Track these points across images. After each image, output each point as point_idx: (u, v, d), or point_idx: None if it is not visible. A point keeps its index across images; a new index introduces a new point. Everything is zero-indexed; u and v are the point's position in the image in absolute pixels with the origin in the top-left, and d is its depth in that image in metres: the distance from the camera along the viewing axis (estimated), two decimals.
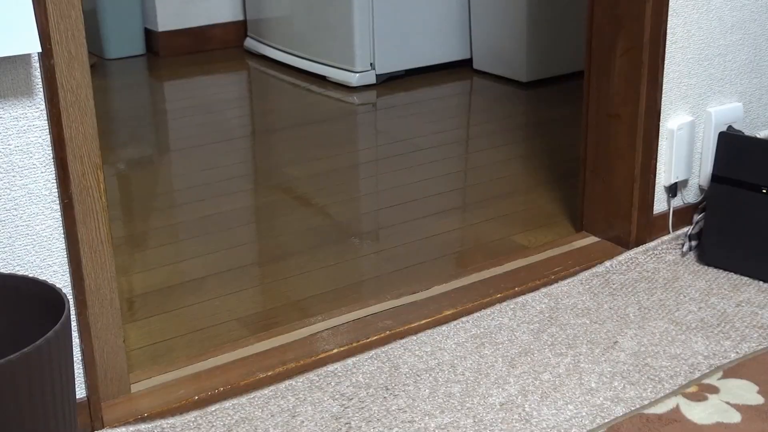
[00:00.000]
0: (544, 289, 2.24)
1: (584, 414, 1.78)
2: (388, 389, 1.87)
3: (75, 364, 1.63)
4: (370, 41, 3.93)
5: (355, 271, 2.44)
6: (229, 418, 1.79)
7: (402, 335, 2.04)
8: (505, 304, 2.17)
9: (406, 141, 3.37)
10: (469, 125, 3.69)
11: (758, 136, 2.46)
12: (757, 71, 2.53)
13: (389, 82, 4.00)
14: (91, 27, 4.13)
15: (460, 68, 4.15)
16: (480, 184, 3.03)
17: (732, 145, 2.34)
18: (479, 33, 4.10)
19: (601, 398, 1.83)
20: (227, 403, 1.83)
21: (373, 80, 3.97)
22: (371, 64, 3.96)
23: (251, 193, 3.04)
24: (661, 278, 2.29)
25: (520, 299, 2.19)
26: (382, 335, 2.03)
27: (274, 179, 3.10)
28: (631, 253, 2.38)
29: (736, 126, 2.45)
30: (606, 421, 1.76)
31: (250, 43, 4.52)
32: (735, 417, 1.77)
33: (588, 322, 2.10)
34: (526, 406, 1.81)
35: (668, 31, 2.29)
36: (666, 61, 2.31)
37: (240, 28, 4.60)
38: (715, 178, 2.35)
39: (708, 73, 2.42)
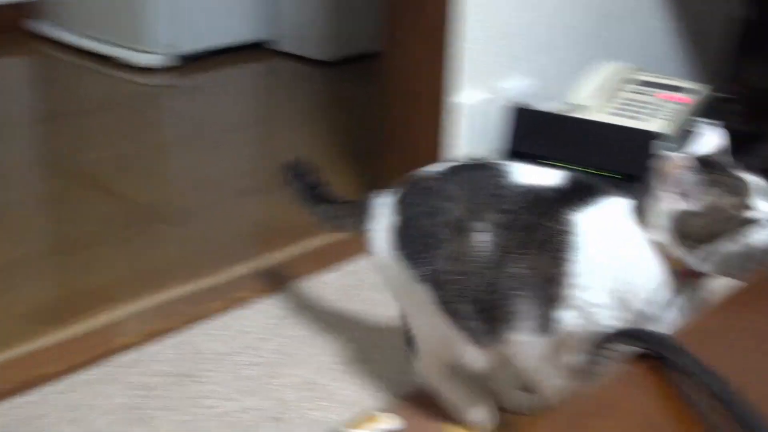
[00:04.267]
0: (346, 267, 2.24)
1: (389, 387, 1.79)
2: (189, 376, 1.82)
3: None
4: (169, 21, 3.82)
5: (157, 256, 2.36)
6: (16, 415, 1.70)
7: (204, 319, 2.00)
8: (308, 282, 2.16)
9: (208, 122, 3.30)
10: (273, 105, 3.65)
11: (552, 110, 2.54)
12: (550, 48, 2.61)
13: (190, 63, 3.89)
14: None
15: (262, 48, 4.10)
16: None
17: (527, 120, 2.41)
18: (282, 12, 4.06)
19: (408, 371, 1.84)
20: (19, 400, 1.74)
21: (173, 61, 3.86)
22: (170, 44, 3.84)
23: (45, 181, 2.89)
24: None
25: (322, 278, 2.18)
26: (184, 320, 1.98)
27: (70, 166, 2.97)
28: None
29: (529, 101, 2.52)
30: (413, 392, 1.78)
31: (36, 25, 4.29)
32: None
33: (390, 297, 2.10)
34: (329, 383, 1.80)
35: (464, 8, 2.33)
36: (462, 39, 2.35)
37: (22, 9, 4.34)
38: (513, 153, 2.42)
39: (503, 50, 2.48)
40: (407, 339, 1.67)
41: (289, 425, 1.68)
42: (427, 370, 1.70)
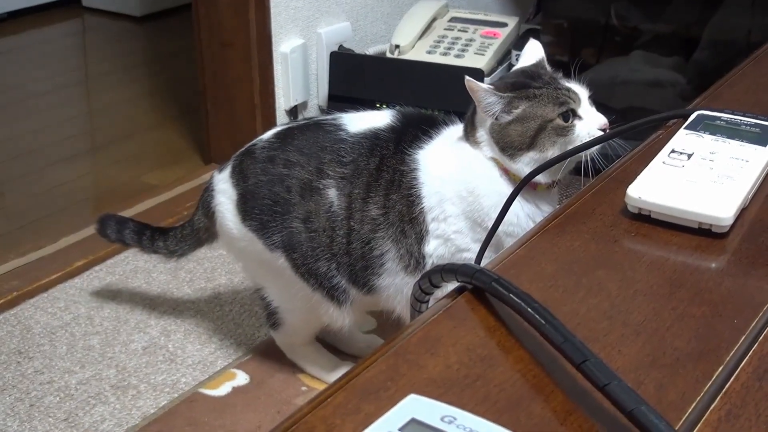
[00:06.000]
0: None
1: (229, 344, 1.79)
2: (21, 353, 1.76)
3: None
4: None
5: None
6: None
7: (32, 294, 1.93)
8: None
9: (19, 88, 3.16)
10: (87, 66, 3.53)
11: (367, 53, 2.56)
12: None
13: None
14: None
15: (68, 7, 3.93)
16: (105, 126, 2.92)
17: (344, 63, 2.42)
18: None
19: (244, 326, 1.85)
20: None
21: None
22: None
23: None
24: None
25: None
26: (9, 297, 1.91)
27: None
28: None
29: (346, 45, 2.52)
30: (253, 346, 1.78)
31: None
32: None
33: (225, 253, 2.09)
34: (169, 346, 1.78)
35: None
36: None
37: None
38: (332, 97, 2.42)
39: None
40: (268, 315, 1.67)
41: (132, 392, 1.66)
42: (291, 344, 1.71)
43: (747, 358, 0.60)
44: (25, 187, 2.48)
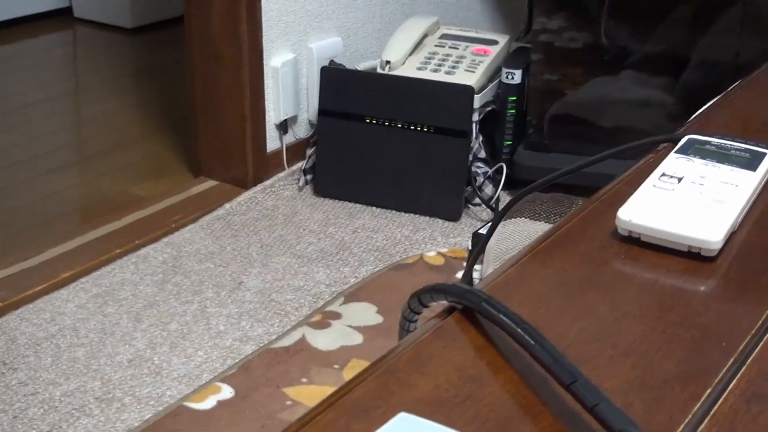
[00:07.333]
0: (165, 239, 2.20)
1: (214, 357, 1.79)
2: (5, 364, 1.75)
3: None
4: None
5: None
6: None
7: (17, 305, 1.93)
8: (126, 258, 2.11)
9: (8, 98, 3.16)
10: (77, 76, 3.52)
11: (358, 68, 2.56)
12: (353, 6, 2.63)
13: None
14: None
15: (59, 17, 3.93)
16: (94, 137, 2.91)
17: (334, 78, 2.42)
18: None
19: (230, 339, 1.84)
20: None
21: None
22: None
23: None
24: (280, 214, 2.34)
25: (141, 252, 2.14)
26: None
27: None
28: (250, 192, 2.41)
29: (337, 60, 2.53)
30: (236, 361, 1.78)
31: None
32: (357, 339, 1.86)
33: (212, 266, 2.10)
34: (155, 358, 1.78)
35: None
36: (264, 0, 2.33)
37: None
38: (322, 112, 2.43)
39: (306, 9, 2.47)
40: None
41: (117, 404, 1.65)
42: None
43: (735, 380, 0.60)
44: (12, 198, 2.47)
